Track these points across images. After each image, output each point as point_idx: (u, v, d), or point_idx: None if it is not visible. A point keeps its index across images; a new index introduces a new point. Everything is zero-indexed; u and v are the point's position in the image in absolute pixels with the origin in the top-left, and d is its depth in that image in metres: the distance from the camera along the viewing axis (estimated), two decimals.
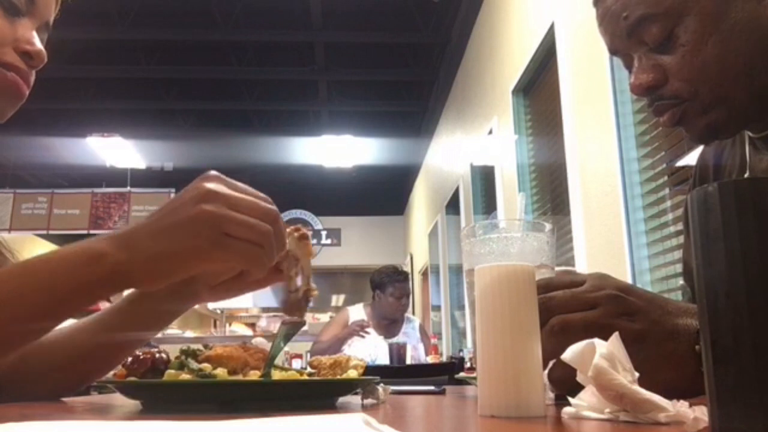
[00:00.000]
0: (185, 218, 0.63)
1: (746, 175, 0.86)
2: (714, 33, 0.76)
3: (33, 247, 7.03)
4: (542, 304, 0.58)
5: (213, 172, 0.66)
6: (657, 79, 0.80)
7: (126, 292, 0.78)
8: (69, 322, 0.88)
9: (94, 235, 0.69)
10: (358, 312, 4.00)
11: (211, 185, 0.64)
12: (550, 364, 0.62)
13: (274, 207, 0.66)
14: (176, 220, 0.63)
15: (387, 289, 3.90)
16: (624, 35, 0.82)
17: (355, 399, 0.74)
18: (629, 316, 0.63)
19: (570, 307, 0.64)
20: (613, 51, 0.87)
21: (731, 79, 0.77)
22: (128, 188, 7.99)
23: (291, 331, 0.72)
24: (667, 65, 0.80)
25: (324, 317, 9.51)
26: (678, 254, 2.04)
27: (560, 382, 0.61)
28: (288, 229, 0.71)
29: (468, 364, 3.53)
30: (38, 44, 0.79)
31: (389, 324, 3.97)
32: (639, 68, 0.82)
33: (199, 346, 0.73)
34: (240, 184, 0.67)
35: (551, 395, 0.65)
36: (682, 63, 0.78)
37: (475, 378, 0.67)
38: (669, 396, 0.48)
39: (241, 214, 0.63)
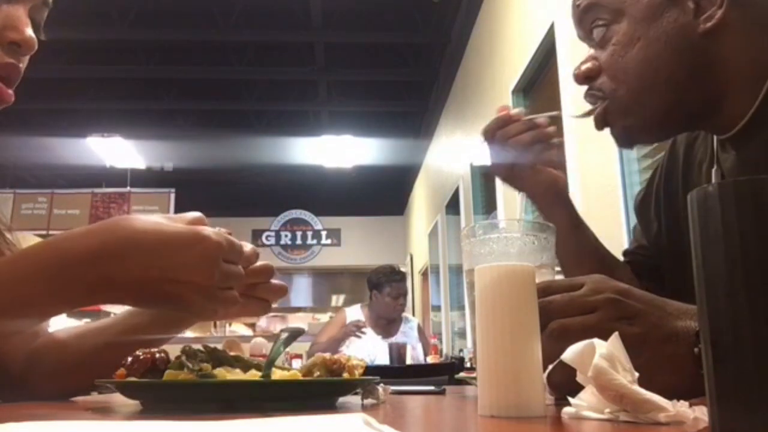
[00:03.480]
0: (174, 297, 0.63)
1: (714, 170, 0.87)
2: (642, 38, 0.79)
3: None
4: (541, 308, 0.57)
5: (213, 243, 0.63)
6: (591, 71, 0.84)
7: None
8: (68, 323, 0.88)
9: None
10: (355, 313, 4.00)
11: (207, 277, 0.63)
12: (550, 367, 0.61)
13: (243, 273, 0.68)
14: (162, 292, 0.62)
15: (384, 289, 3.90)
16: (577, 23, 0.87)
17: (355, 399, 0.74)
18: (628, 320, 0.63)
19: (569, 311, 0.63)
20: (580, 38, 0.91)
21: (648, 87, 0.79)
22: (128, 188, 7.99)
23: (291, 337, 0.73)
24: (602, 60, 0.83)
25: (324, 317, 9.51)
26: None
27: (560, 385, 0.60)
28: None
29: (468, 364, 3.53)
30: (26, 31, 0.73)
31: (387, 324, 3.96)
32: (584, 59, 0.86)
33: (199, 346, 0.73)
34: (230, 251, 0.65)
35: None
36: (611, 60, 0.81)
37: (475, 378, 0.67)
38: (669, 398, 0.48)
39: (227, 292, 0.65)
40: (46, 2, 0.79)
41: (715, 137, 0.90)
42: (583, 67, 0.85)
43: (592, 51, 0.86)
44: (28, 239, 0.93)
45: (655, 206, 1.03)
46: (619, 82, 0.81)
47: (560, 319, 0.63)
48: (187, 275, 0.62)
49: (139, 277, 0.61)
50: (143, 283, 0.62)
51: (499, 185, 3.97)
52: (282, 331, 0.73)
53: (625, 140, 0.85)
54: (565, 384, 0.55)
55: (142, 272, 0.61)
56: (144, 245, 0.61)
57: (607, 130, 0.86)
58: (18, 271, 0.62)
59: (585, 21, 0.85)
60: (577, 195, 2.69)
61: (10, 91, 0.75)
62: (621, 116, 0.82)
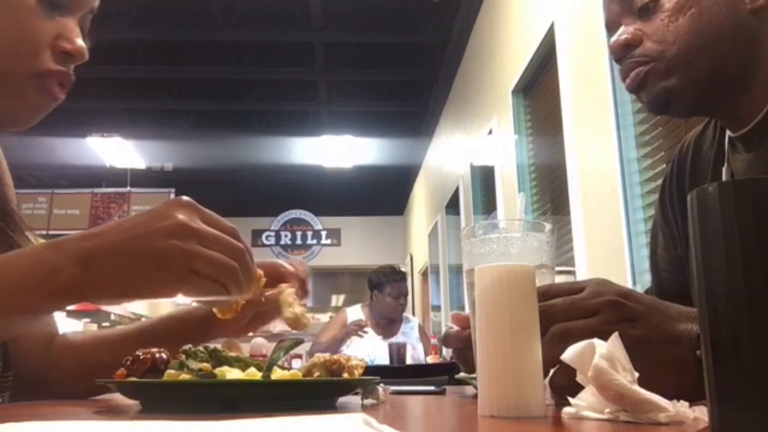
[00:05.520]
0: (153, 249, 0.62)
1: (724, 168, 0.91)
2: (694, 6, 0.84)
3: None
4: (542, 312, 0.57)
5: (185, 198, 0.66)
6: (635, 38, 0.88)
7: (160, 312, 0.77)
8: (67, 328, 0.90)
9: None
10: (356, 313, 4.00)
11: (183, 217, 0.63)
12: (552, 371, 0.61)
13: (240, 244, 0.66)
14: (143, 249, 0.62)
15: (385, 288, 3.90)
16: (618, 0, 0.91)
17: (355, 399, 0.74)
18: (630, 322, 0.62)
19: (570, 315, 0.63)
20: (608, 23, 0.95)
21: (697, 47, 0.84)
22: (128, 188, 7.99)
23: (290, 346, 0.73)
24: (646, 30, 0.87)
25: (324, 317, 9.49)
26: None
27: (561, 389, 0.60)
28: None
29: None
30: (79, 42, 0.77)
31: (387, 324, 3.97)
32: (622, 31, 0.90)
33: (199, 347, 0.73)
34: (209, 213, 0.66)
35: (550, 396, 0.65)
36: (659, 26, 0.86)
37: (475, 378, 0.67)
38: (669, 400, 0.48)
39: (210, 251, 0.63)
40: (92, 9, 0.83)
41: (727, 136, 0.92)
42: (623, 37, 0.88)
43: (626, 26, 0.90)
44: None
45: (672, 215, 1.03)
46: (668, 44, 0.85)
47: (562, 322, 0.63)
48: (160, 234, 0.62)
49: (117, 241, 0.63)
50: (122, 248, 0.62)
51: (499, 185, 3.97)
52: (281, 339, 0.73)
53: (660, 102, 0.88)
54: (567, 387, 0.54)
55: (118, 234, 0.63)
56: (120, 221, 0.66)
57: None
58: (10, 263, 0.64)
59: None
60: (577, 195, 2.69)
61: (62, 95, 0.79)
62: (664, 77, 0.86)
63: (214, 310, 0.75)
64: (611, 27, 0.94)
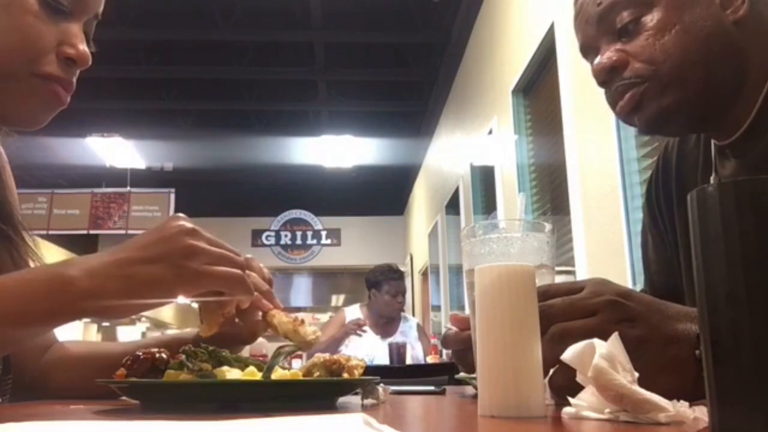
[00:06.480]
0: (168, 276, 0.64)
1: (712, 178, 0.90)
2: (678, 23, 0.83)
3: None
4: (542, 312, 0.57)
5: (187, 224, 0.67)
6: (620, 60, 0.85)
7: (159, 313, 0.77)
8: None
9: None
10: (354, 312, 4.01)
11: (192, 240, 0.65)
12: (551, 371, 0.61)
13: (239, 257, 0.69)
14: (157, 276, 0.64)
15: (382, 287, 3.90)
16: (595, 22, 0.88)
17: (355, 399, 0.74)
18: (629, 322, 0.62)
19: (570, 315, 0.63)
20: (584, 46, 0.93)
21: (690, 63, 0.82)
22: (128, 188, 7.98)
23: (291, 350, 0.74)
24: (630, 50, 0.85)
25: (324, 317, 9.51)
26: None
27: (561, 389, 0.60)
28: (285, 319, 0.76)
29: None
30: (82, 46, 0.77)
31: (386, 323, 3.97)
32: (603, 54, 0.88)
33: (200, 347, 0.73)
34: (206, 233, 0.68)
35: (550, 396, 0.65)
36: (645, 45, 0.84)
37: (475, 378, 0.67)
38: (669, 400, 0.48)
39: (220, 268, 0.66)
40: (97, 15, 0.82)
41: (713, 144, 0.91)
42: (609, 59, 0.86)
43: (604, 51, 0.87)
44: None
45: (659, 216, 1.03)
46: (659, 63, 0.83)
47: (561, 322, 0.63)
48: (154, 248, 0.65)
49: (117, 255, 0.65)
50: (120, 261, 0.65)
51: (499, 185, 3.97)
52: (282, 346, 0.74)
53: (657, 122, 0.86)
54: (567, 387, 0.54)
55: (119, 251, 0.66)
56: (126, 246, 0.68)
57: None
58: (13, 283, 0.65)
59: (607, 17, 0.87)
60: (577, 195, 2.69)
61: (67, 99, 0.80)
62: (659, 95, 0.84)
63: (199, 330, 0.76)
64: (587, 51, 0.92)
